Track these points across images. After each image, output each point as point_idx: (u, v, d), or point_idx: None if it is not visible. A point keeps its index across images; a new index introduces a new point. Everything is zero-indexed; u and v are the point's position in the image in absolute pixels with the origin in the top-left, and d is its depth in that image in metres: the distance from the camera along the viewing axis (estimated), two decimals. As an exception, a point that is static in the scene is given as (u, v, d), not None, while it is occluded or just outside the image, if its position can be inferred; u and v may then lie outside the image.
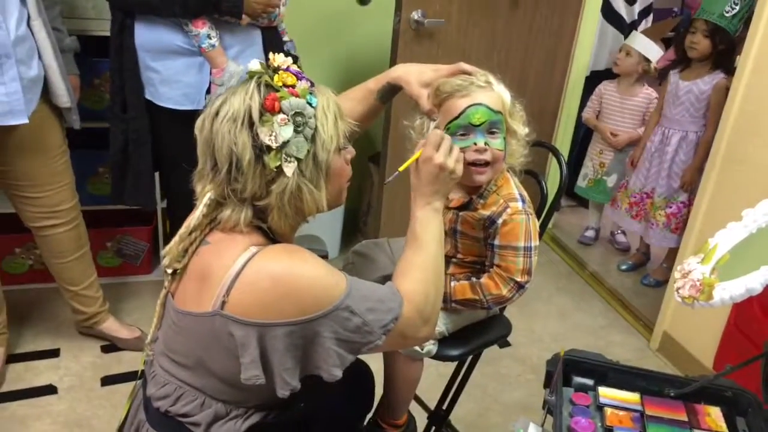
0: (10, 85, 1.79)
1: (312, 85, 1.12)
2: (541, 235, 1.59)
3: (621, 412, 1.38)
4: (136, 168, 2.19)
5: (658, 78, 3.12)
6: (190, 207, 2.55)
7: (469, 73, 1.33)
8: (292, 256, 1.07)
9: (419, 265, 1.18)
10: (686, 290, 1.24)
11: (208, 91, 2.08)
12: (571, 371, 1.47)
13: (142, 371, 1.24)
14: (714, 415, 1.39)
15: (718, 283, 1.19)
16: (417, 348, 1.43)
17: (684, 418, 1.37)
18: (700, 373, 2.36)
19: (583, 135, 3.48)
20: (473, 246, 1.43)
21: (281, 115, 1.05)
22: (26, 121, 1.85)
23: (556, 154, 1.59)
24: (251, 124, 1.05)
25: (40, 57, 1.89)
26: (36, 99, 1.91)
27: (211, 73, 2.05)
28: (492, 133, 1.32)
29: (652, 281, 3.07)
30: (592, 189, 3.31)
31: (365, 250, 1.64)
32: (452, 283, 1.42)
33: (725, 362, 2.34)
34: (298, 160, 1.07)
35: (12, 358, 2.30)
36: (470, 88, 1.31)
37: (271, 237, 1.13)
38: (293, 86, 1.08)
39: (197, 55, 2.02)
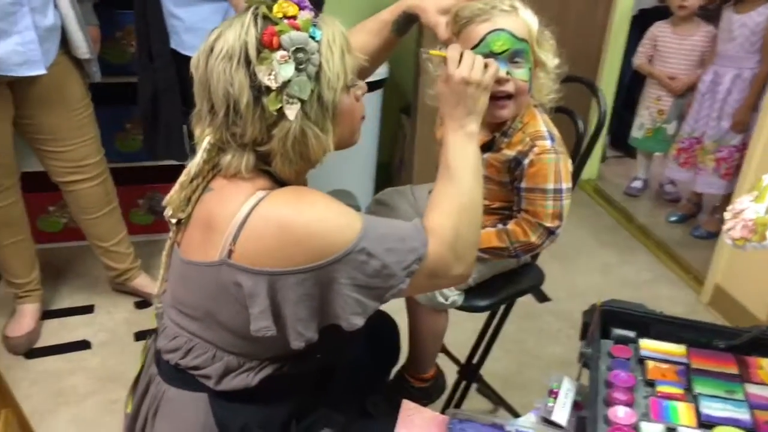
0: (25, 34, 1.75)
1: (316, 15, 1.01)
2: (575, 179, 1.47)
3: (664, 365, 1.28)
4: (167, 120, 2.16)
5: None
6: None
7: None
8: (299, 199, 0.99)
9: (450, 196, 1.08)
10: (737, 231, 1.12)
11: None
12: (611, 323, 1.37)
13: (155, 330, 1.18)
14: (767, 367, 1.28)
15: (773, 222, 1.07)
16: (440, 298, 1.34)
17: (734, 371, 1.27)
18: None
19: (629, 81, 3.29)
20: (500, 191, 1.33)
21: (281, 52, 0.95)
22: (44, 71, 1.81)
23: (593, 89, 1.46)
24: (248, 62, 0.95)
25: (56, 6, 1.84)
26: (54, 49, 1.86)
27: None
28: (515, 62, 1.21)
29: (704, 232, 2.91)
30: (651, 139, 3.12)
31: (386, 198, 1.55)
32: None
33: (782, 316, 2.20)
34: (302, 101, 0.97)
35: (47, 314, 2.31)
36: (492, 12, 1.20)
37: (278, 180, 1.05)
38: (294, 17, 0.97)
39: (221, 0, 1.94)
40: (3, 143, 1.95)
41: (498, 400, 1.86)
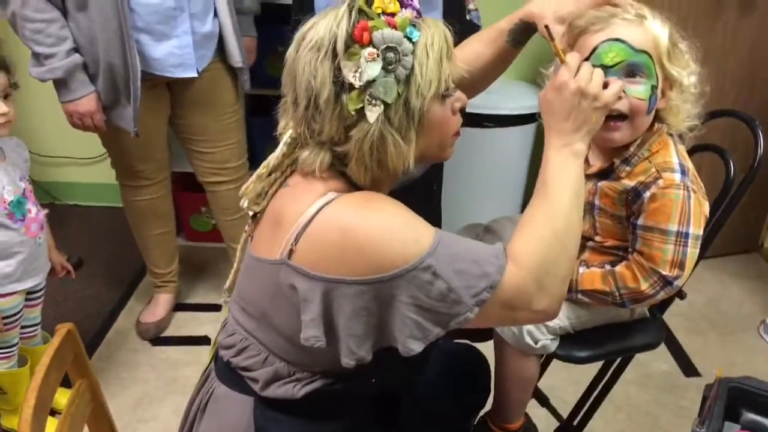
0: (183, 39, 1.87)
1: (419, 15, 0.94)
2: (717, 228, 1.26)
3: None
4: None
5: None
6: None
7: (618, 6, 1.07)
8: (367, 204, 0.93)
9: (543, 218, 0.96)
10: None
11: None
12: (742, 404, 1.14)
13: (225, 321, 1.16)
14: None
15: None
16: (528, 340, 1.18)
17: None
18: None
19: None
20: (614, 227, 1.16)
21: (370, 49, 0.89)
22: (195, 75, 1.92)
23: (752, 125, 1.24)
24: (334, 55, 0.90)
25: (215, 14, 1.95)
26: (209, 55, 1.97)
27: None
28: (632, 77, 1.05)
29: None
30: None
31: (497, 226, 1.42)
32: (581, 270, 1.16)
33: None
34: (386, 104, 0.90)
35: (179, 307, 2.43)
36: (610, 21, 1.06)
37: (354, 184, 0.99)
38: (393, 14, 0.91)
39: None
40: (158, 139, 2.09)
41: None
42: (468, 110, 2.29)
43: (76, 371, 1.19)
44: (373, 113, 0.90)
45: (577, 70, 0.97)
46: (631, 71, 1.05)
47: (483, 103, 2.42)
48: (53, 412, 1.11)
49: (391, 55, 0.89)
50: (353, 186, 0.98)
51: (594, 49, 1.07)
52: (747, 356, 2.32)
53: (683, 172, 1.08)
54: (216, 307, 2.45)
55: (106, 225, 2.89)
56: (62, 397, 1.16)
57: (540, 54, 1.37)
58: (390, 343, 0.93)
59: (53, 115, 2.15)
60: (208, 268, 2.68)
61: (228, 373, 1.07)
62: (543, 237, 0.94)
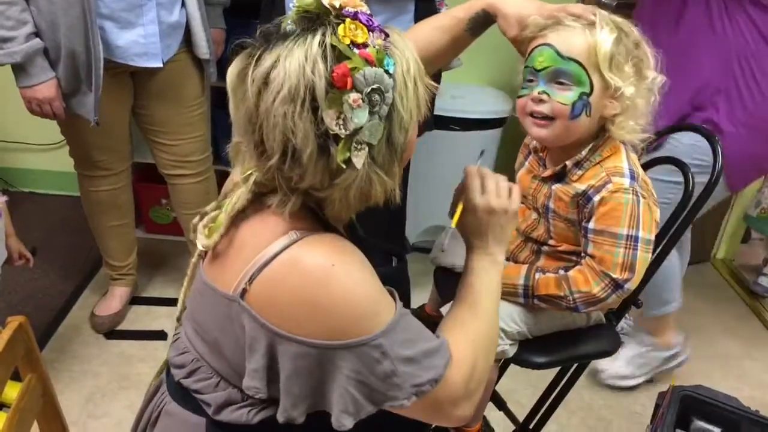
0: (149, 27, 1.83)
1: (385, 35, 0.84)
2: (673, 240, 1.28)
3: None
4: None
5: None
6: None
7: (576, 15, 1.08)
8: (335, 259, 0.85)
9: (472, 328, 0.97)
10: None
11: None
12: (692, 412, 1.17)
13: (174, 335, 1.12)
14: None
15: None
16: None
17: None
18: None
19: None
20: (568, 230, 1.17)
21: (354, 95, 0.79)
22: (160, 65, 1.89)
23: (711, 139, 1.27)
24: (314, 106, 0.79)
25: (183, 5, 1.92)
26: (175, 45, 1.94)
27: None
28: (560, 83, 1.07)
29: None
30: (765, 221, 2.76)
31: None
32: (537, 275, 1.17)
33: None
34: (370, 146, 0.83)
35: (136, 300, 2.39)
36: (555, 27, 1.07)
37: (321, 217, 0.93)
38: (365, 45, 0.80)
39: None
40: (120, 130, 2.05)
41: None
42: (436, 113, 2.31)
43: (27, 365, 1.15)
44: (359, 159, 0.82)
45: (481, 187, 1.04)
46: (557, 77, 1.07)
47: (450, 106, 2.44)
48: (1, 406, 1.08)
49: (376, 97, 0.81)
50: (316, 220, 0.92)
51: (530, 53, 1.10)
52: (699, 364, 2.37)
53: (632, 177, 1.10)
54: (173, 302, 2.41)
55: (63, 214, 2.82)
56: (12, 391, 1.12)
57: (508, 60, 1.38)
58: (325, 409, 0.89)
59: (8, 98, 2.08)
60: (166, 262, 2.64)
61: (179, 390, 1.01)
62: (472, 343, 0.95)
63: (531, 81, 1.10)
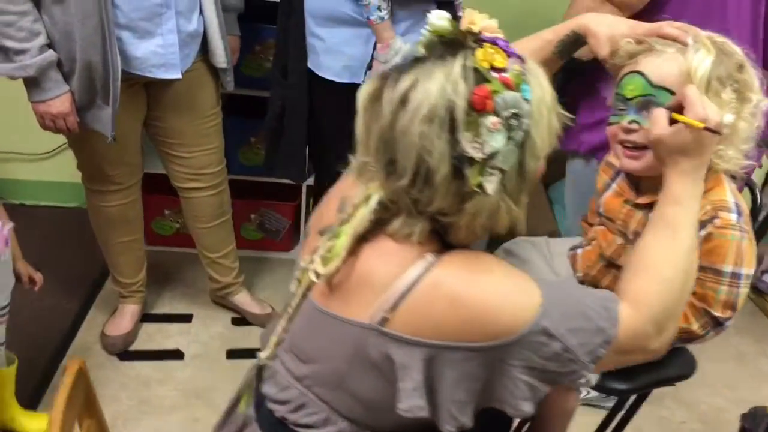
0: (168, 37, 1.74)
1: (522, 61, 0.84)
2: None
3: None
4: (290, 138, 2.13)
5: None
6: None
7: (669, 37, 1.04)
8: (475, 269, 0.87)
9: (665, 260, 0.93)
10: None
11: (369, 67, 1.94)
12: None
13: (257, 369, 1.06)
14: None
15: None
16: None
17: None
18: None
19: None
20: None
21: (493, 118, 0.79)
22: (179, 76, 1.80)
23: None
24: (453, 128, 0.79)
25: (201, 12, 1.83)
26: (193, 55, 1.85)
27: (375, 48, 1.90)
28: (649, 111, 1.02)
29: None
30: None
31: (517, 249, 1.38)
32: None
33: None
34: (502, 171, 0.82)
35: (146, 318, 2.29)
36: (647, 52, 1.04)
37: (444, 240, 0.91)
38: (504, 70, 0.81)
39: (364, 26, 1.88)
40: (132, 143, 1.95)
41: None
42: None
43: (85, 411, 1.08)
44: (491, 184, 0.82)
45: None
46: (648, 106, 1.03)
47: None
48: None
49: (514, 121, 0.80)
50: (440, 242, 0.90)
51: (621, 79, 1.07)
52: (715, 365, 2.38)
53: (739, 212, 1.07)
54: (186, 318, 2.33)
55: (57, 227, 2.69)
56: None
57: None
58: (495, 405, 0.88)
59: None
60: (173, 275, 2.54)
61: (279, 427, 0.99)
62: (665, 280, 0.91)
63: (622, 109, 1.07)
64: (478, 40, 0.83)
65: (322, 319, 0.93)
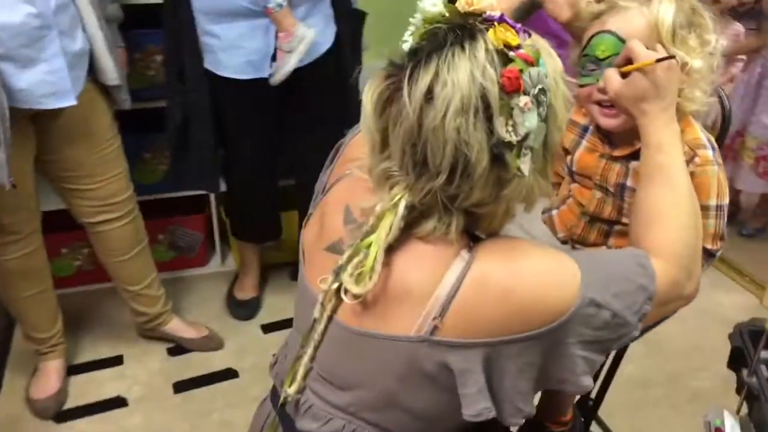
0: (54, 62, 1.55)
1: (528, 34, 0.82)
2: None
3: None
4: (198, 146, 2.00)
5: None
6: (254, 191, 2.31)
7: None
8: (514, 256, 0.84)
9: (673, 206, 0.94)
10: None
11: (274, 58, 1.84)
12: (756, 343, 1.23)
13: (281, 405, 0.98)
14: None
15: None
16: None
17: None
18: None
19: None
20: None
21: (524, 98, 0.76)
22: (74, 102, 1.62)
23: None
24: (489, 115, 0.76)
25: (83, 29, 1.64)
26: (83, 76, 1.67)
27: (277, 38, 1.80)
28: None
29: (751, 230, 2.82)
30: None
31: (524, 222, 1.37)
32: None
33: None
34: (532, 150, 0.80)
35: (72, 370, 2.09)
36: (608, 12, 1.05)
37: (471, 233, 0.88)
38: (519, 46, 0.78)
39: (262, 16, 1.78)
40: (27, 184, 1.73)
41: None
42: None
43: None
44: (526, 164, 0.79)
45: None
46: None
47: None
48: None
49: (543, 97, 0.78)
50: (468, 235, 0.87)
51: (588, 41, 1.07)
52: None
53: (713, 147, 1.12)
54: (115, 360, 2.14)
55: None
56: None
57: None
58: (555, 387, 0.88)
59: None
60: (87, 317, 2.32)
61: None
62: (681, 225, 0.93)
63: (593, 70, 1.07)
64: (484, 20, 0.79)
65: (358, 341, 0.87)
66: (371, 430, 0.90)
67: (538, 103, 0.78)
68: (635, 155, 1.14)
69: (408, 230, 0.84)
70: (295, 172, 2.24)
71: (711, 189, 1.09)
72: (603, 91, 1.07)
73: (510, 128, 0.77)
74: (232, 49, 1.84)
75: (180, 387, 2.05)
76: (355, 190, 0.92)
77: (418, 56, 0.77)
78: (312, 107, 2.03)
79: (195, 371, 2.10)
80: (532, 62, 0.78)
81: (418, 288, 0.82)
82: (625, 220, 1.19)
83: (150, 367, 2.12)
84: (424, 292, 0.82)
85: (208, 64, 1.88)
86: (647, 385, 2.08)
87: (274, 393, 1.04)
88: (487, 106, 0.75)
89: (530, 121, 0.77)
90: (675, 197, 0.95)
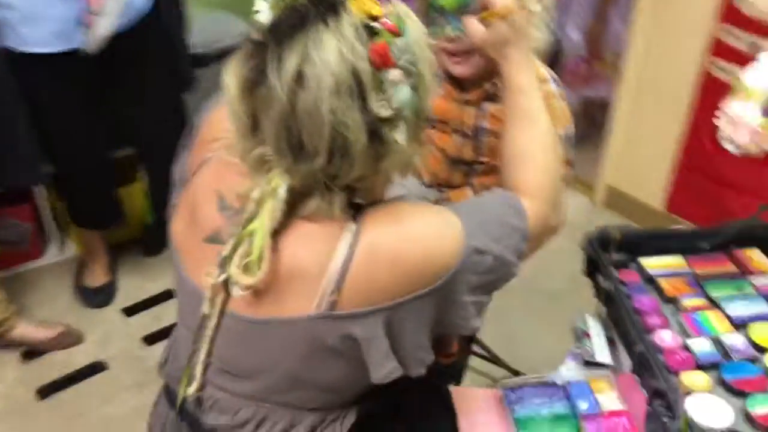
0: None
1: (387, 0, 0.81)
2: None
3: (674, 280, 1.30)
4: (9, 137, 1.78)
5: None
6: (85, 173, 2.13)
7: None
8: (399, 221, 0.84)
9: (537, 145, 0.99)
10: (746, 138, 1.14)
11: (86, 25, 1.67)
12: (605, 249, 1.36)
13: (179, 404, 0.94)
14: (756, 256, 1.36)
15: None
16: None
17: (733, 268, 1.33)
18: (651, 219, 2.41)
19: None
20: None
21: (394, 71, 0.76)
22: None
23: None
24: (362, 93, 0.75)
25: None
26: None
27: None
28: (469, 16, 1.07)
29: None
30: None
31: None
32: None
33: (680, 203, 2.38)
34: (406, 119, 0.80)
35: None
36: None
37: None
38: (382, 16, 0.77)
39: None
40: None
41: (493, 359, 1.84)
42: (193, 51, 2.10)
43: None
44: (402, 134, 0.79)
45: None
46: (465, 11, 1.06)
47: (200, 41, 2.21)
48: None
49: (411, 67, 0.78)
50: (350, 205, 0.85)
51: None
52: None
53: (555, 81, 1.18)
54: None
55: None
56: None
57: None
58: (449, 332, 0.91)
59: None
60: None
61: None
62: (546, 162, 0.98)
63: (440, 20, 1.07)
64: None
65: (256, 329, 0.85)
66: (282, 411, 0.90)
67: (408, 74, 0.78)
68: (487, 97, 1.19)
69: (290, 212, 0.82)
70: (134, 142, 2.10)
71: (559, 121, 1.16)
72: (450, 41, 1.08)
73: (383, 103, 0.76)
74: (35, 20, 1.64)
75: (45, 392, 1.91)
76: (223, 174, 0.88)
77: (281, 34, 0.74)
78: (138, 77, 1.89)
79: (58, 372, 1.96)
80: (396, 32, 0.77)
81: (310, 267, 0.81)
82: (484, 159, 1.24)
83: (5, 378, 1.95)
84: (316, 270, 0.81)
85: (7, 41, 1.67)
86: (505, 293, 2.24)
87: (169, 393, 1.00)
88: (359, 84, 0.74)
89: (403, 93, 0.77)
90: (538, 137, 1.00)
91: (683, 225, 2.23)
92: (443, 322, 0.89)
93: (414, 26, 0.81)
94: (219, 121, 0.91)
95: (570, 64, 2.86)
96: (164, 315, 2.14)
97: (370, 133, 0.77)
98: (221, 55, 2.32)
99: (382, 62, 0.75)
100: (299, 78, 0.73)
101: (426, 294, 0.83)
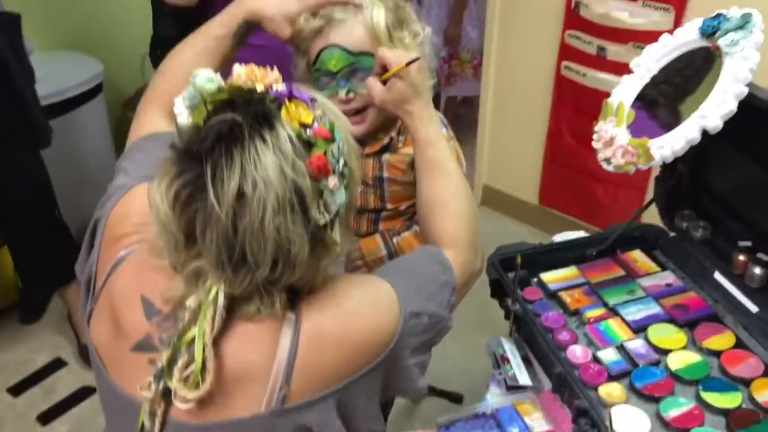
0: None
1: (314, 100, 0.79)
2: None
3: (573, 292, 1.37)
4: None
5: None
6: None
7: (342, 3, 1.08)
8: (337, 302, 0.84)
9: (450, 194, 1.03)
10: (619, 158, 1.22)
11: None
12: (507, 270, 1.42)
13: None
14: (639, 258, 1.46)
15: (648, 142, 1.18)
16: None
17: (621, 272, 1.42)
18: (528, 214, 2.54)
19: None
20: (404, 191, 1.26)
21: (332, 179, 0.76)
22: None
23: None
24: (304, 207, 0.74)
25: None
26: None
27: None
28: (359, 77, 1.11)
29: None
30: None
31: None
32: (394, 240, 1.25)
33: (551, 196, 2.53)
34: (340, 217, 0.80)
35: None
36: (328, 24, 1.09)
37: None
38: (312, 123, 0.76)
39: None
40: None
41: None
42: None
43: None
44: (338, 233, 0.79)
45: None
46: (354, 73, 1.10)
47: (44, 89, 2.03)
48: None
49: (345, 169, 0.78)
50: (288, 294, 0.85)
51: (317, 57, 1.09)
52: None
53: (445, 125, 1.21)
54: None
55: None
56: None
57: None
58: (397, 395, 0.95)
59: None
60: None
61: None
62: (461, 209, 1.02)
63: (330, 82, 1.10)
64: (273, 99, 0.76)
65: None
66: None
67: (343, 176, 0.79)
68: (383, 149, 1.21)
69: (230, 315, 0.79)
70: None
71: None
72: (346, 102, 1.10)
73: (323, 209, 0.77)
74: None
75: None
76: (143, 275, 0.84)
77: (215, 150, 0.71)
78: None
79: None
80: (329, 137, 0.77)
81: (256, 367, 0.80)
82: (389, 206, 1.26)
83: None
84: (262, 369, 0.79)
85: None
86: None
87: None
88: (301, 199, 0.74)
89: (339, 197, 0.78)
90: (450, 185, 1.03)
91: (557, 217, 2.38)
92: (391, 388, 0.91)
93: (341, 122, 0.82)
94: (127, 216, 0.88)
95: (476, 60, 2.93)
96: (57, 387, 1.97)
97: (312, 241, 0.76)
98: (74, 102, 2.18)
99: (321, 173, 0.75)
100: (240, 198, 0.71)
101: (374, 368, 0.84)
